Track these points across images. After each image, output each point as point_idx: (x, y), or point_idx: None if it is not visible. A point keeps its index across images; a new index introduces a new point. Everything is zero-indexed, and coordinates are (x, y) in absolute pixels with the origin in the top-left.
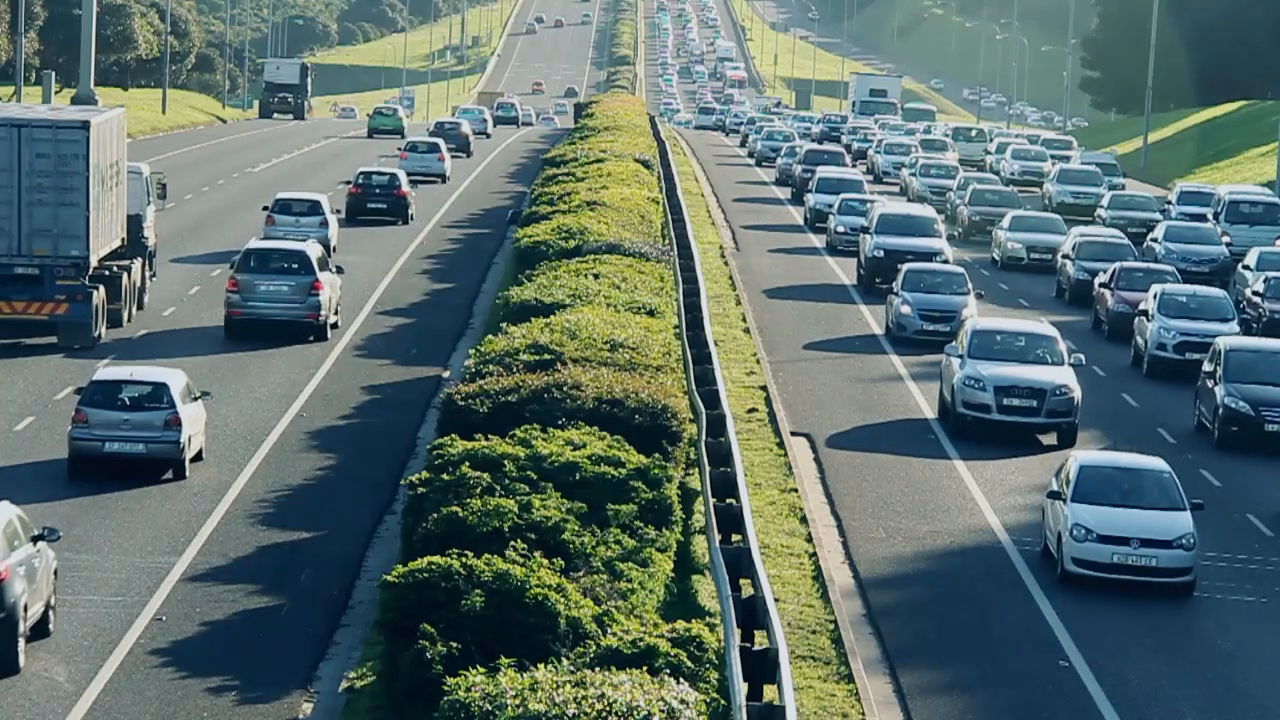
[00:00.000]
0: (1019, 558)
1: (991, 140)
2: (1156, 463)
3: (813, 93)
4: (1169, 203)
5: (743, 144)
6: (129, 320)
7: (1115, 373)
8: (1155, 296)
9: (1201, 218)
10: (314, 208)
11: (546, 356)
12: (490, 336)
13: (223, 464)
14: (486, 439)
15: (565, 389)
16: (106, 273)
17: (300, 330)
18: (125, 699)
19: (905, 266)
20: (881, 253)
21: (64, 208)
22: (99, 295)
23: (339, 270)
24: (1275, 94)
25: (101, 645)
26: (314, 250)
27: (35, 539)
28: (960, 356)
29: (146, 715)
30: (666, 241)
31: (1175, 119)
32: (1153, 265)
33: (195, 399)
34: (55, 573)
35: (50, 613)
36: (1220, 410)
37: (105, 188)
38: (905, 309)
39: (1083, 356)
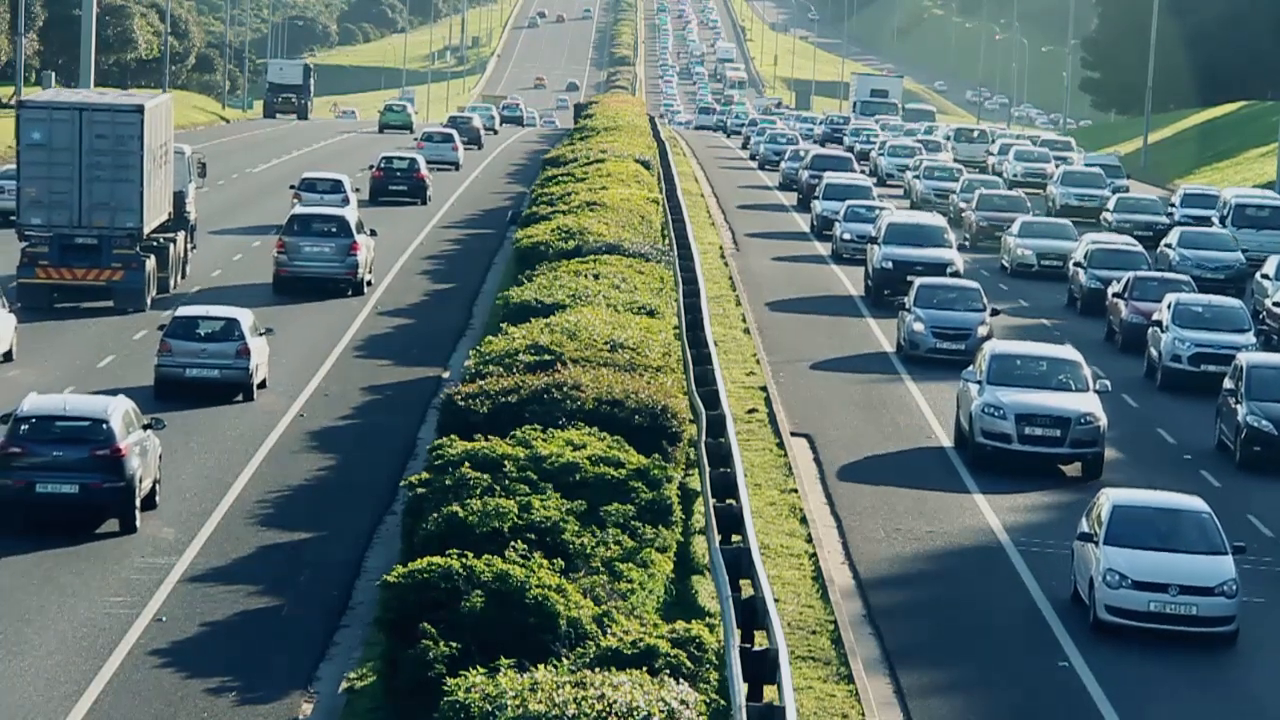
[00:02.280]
0: (1018, 557)
1: (993, 141)
2: (1195, 503)
3: (812, 93)
4: (1172, 205)
5: (744, 146)
6: (175, 287)
7: (1128, 385)
8: (1169, 306)
9: (1206, 220)
10: (336, 186)
11: (546, 357)
12: (490, 337)
13: (222, 462)
14: (486, 439)
15: (565, 389)
16: (155, 243)
17: (340, 286)
18: (125, 699)
19: (918, 281)
20: (890, 264)
21: (120, 184)
22: (150, 263)
23: (373, 233)
24: (1275, 94)
25: (101, 645)
26: (352, 215)
27: (145, 427)
28: (979, 382)
29: (146, 715)
30: (666, 242)
31: (1175, 119)
32: (1168, 275)
33: (261, 334)
34: (160, 456)
35: (157, 486)
36: (1243, 430)
37: (156, 166)
38: (918, 326)
39: (1109, 382)
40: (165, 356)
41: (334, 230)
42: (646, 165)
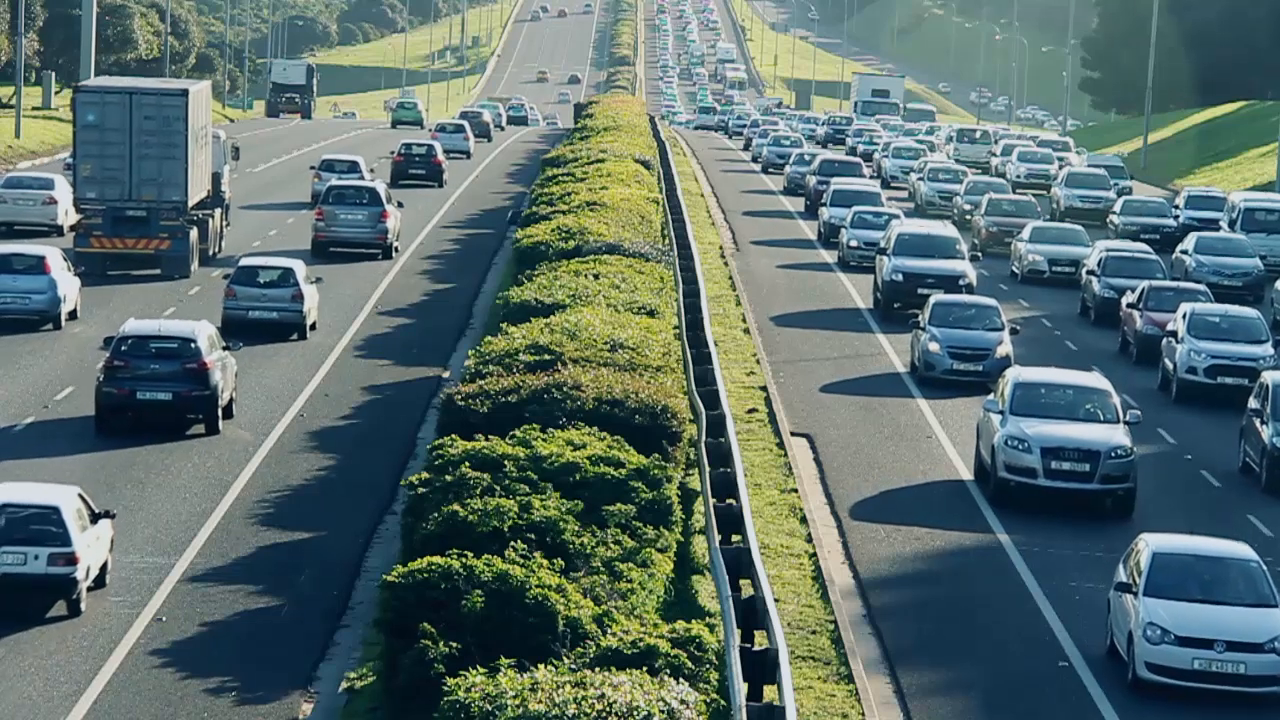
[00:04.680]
0: (1017, 556)
1: (996, 142)
2: (1242, 550)
3: (812, 93)
4: (1177, 207)
5: (746, 148)
6: (213, 258)
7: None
8: (1184, 317)
9: (1212, 223)
10: (353, 167)
11: (546, 357)
12: (490, 337)
13: (222, 462)
14: (486, 439)
15: (565, 389)
16: (196, 218)
17: (371, 250)
18: (125, 699)
19: (933, 299)
20: (900, 276)
21: (166, 161)
22: (194, 234)
23: (399, 205)
24: (1275, 94)
25: (101, 645)
26: (382, 187)
27: (224, 348)
28: (1001, 412)
29: (146, 715)
30: (666, 242)
31: (1175, 119)
32: (1183, 284)
33: (312, 283)
34: (236, 374)
35: (234, 397)
36: (1272, 452)
37: (198, 146)
38: (933, 346)
39: (1140, 413)
40: (231, 301)
41: (366, 200)
42: (646, 165)
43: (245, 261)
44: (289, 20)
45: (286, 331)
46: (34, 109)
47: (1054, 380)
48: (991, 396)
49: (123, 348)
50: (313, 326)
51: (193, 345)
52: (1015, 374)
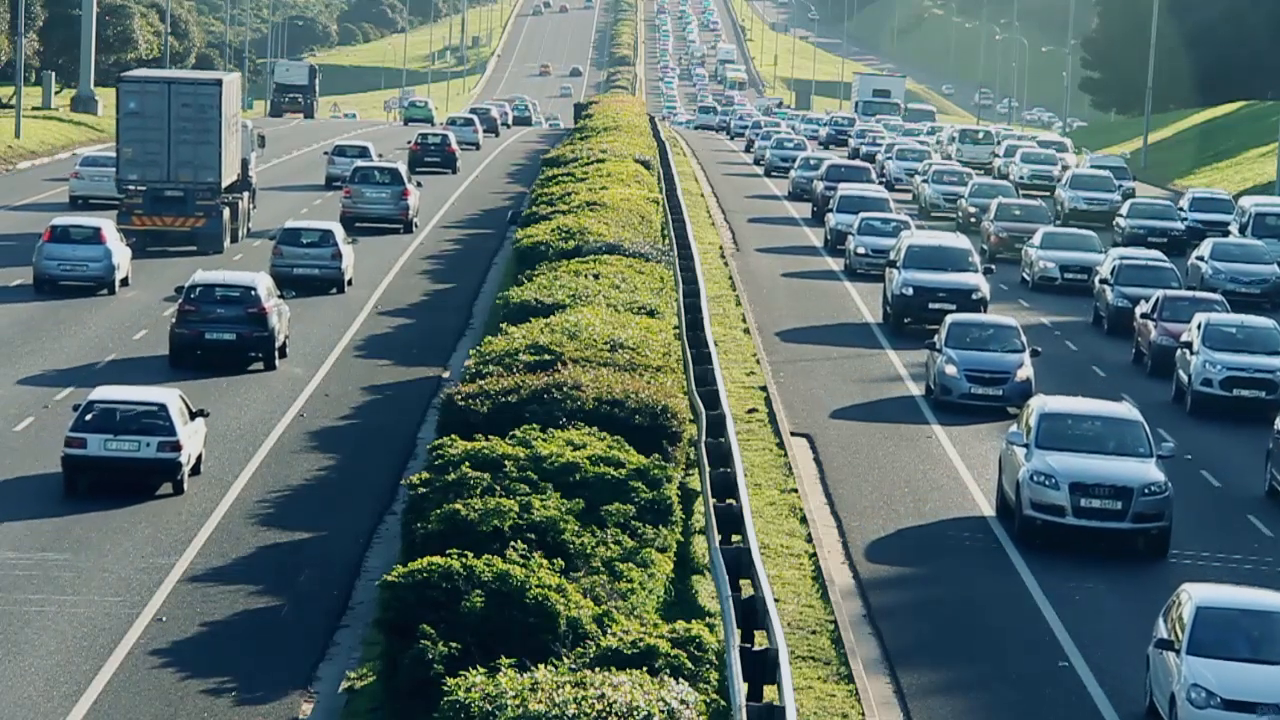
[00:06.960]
0: (1017, 556)
1: (999, 143)
2: None
3: (813, 93)
4: (1180, 209)
5: (748, 149)
6: (243, 237)
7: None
8: (1199, 327)
9: (1217, 225)
10: (363, 152)
11: (546, 357)
12: (490, 337)
13: (223, 462)
14: (486, 439)
15: (565, 389)
16: (228, 199)
17: (394, 224)
18: (125, 699)
19: (949, 319)
20: (910, 290)
21: (201, 145)
22: (226, 214)
23: (419, 184)
24: (1276, 94)
25: (101, 645)
26: (403, 167)
27: (279, 296)
28: (1025, 445)
29: (146, 715)
30: (666, 241)
31: (1175, 119)
32: (1199, 294)
33: (349, 243)
34: (289, 320)
35: (286, 340)
36: None
37: (229, 132)
38: (950, 369)
39: (1174, 444)
40: (278, 259)
41: (389, 179)
42: (646, 165)
43: (290, 224)
44: (289, 20)
45: (327, 286)
46: (34, 109)
47: (1082, 411)
48: (1015, 428)
49: (193, 294)
50: (349, 282)
51: (253, 293)
52: (1040, 404)
